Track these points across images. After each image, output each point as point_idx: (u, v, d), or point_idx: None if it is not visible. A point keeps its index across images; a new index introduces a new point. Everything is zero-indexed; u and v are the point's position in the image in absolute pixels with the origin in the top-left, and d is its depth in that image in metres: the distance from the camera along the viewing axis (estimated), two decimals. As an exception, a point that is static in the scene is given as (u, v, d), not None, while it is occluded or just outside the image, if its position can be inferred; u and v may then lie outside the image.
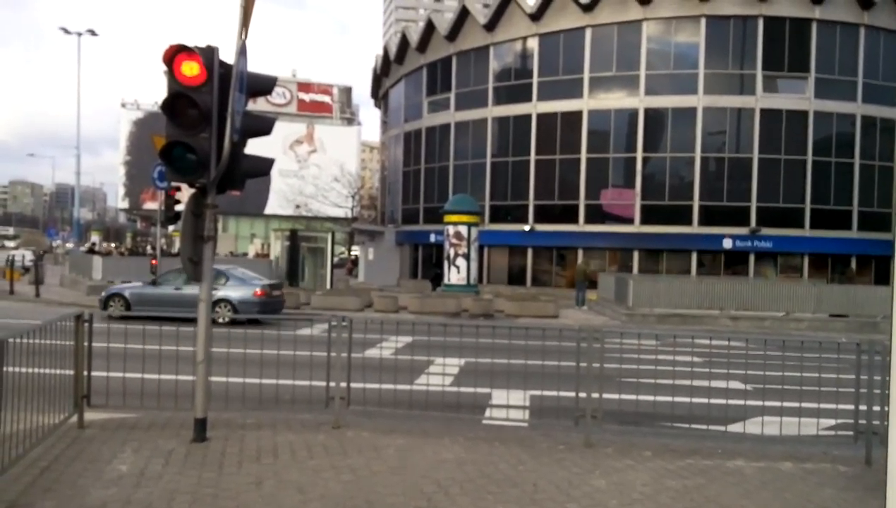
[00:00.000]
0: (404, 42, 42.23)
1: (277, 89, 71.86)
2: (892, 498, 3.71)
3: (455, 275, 25.92)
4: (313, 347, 7.28)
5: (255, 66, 6.20)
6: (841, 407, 7.13)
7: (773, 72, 31.62)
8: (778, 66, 31.63)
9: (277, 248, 30.82)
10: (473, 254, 26.05)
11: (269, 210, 69.88)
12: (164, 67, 5.82)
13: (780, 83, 32.00)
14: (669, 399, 6.97)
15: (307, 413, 7.12)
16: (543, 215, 34.01)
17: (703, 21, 31.66)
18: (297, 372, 7.12)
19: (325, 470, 5.44)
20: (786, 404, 6.84)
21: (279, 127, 69.81)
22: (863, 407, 6.39)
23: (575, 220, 33.25)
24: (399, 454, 5.97)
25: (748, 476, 5.77)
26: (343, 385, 6.83)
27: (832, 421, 7.11)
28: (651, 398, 7.19)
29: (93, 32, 43.30)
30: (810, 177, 31.58)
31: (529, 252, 34.62)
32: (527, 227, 34.02)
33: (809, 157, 31.57)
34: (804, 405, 7.12)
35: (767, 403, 7.16)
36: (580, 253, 32.69)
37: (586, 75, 33.29)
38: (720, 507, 5.03)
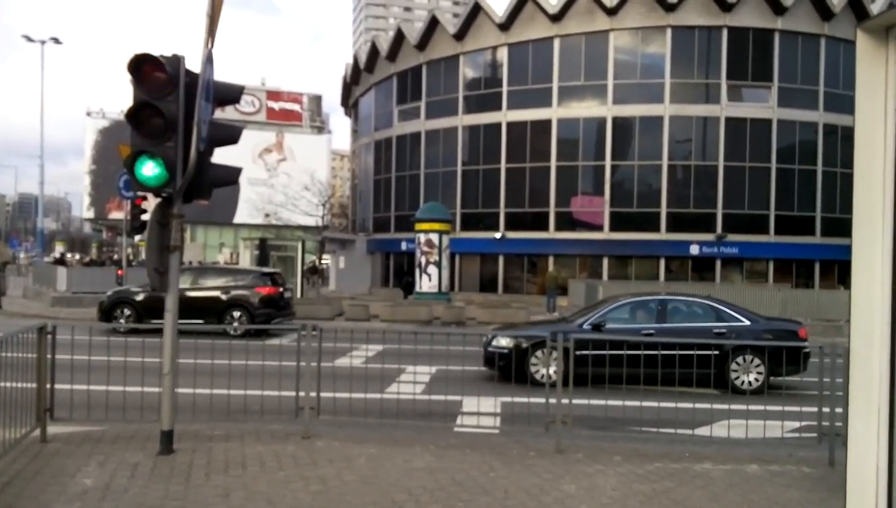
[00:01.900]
0: (374, 51, 42.27)
1: (246, 98, 71.32)
2: (851, 498, 3.80)
3: (426, 283, 25.92)
4: (282, 357, 7.23)
5: (226, 73, 6.16)
6: (805, 409, 7.29)
7: (737, 81, 32.33)
8: (742, 75, 32.35)
9: (246, 257, 30.48)
10: (445, 262, 26.08)
11: (238, 219, 69.18)
12: (129, 76, 5.75)
13: (744, 92, 32.73)
14: (638, 403, 7.05)
15: (276, 423, 7.04)
16: (514, 223, 34.22)
17: (669, 31, 32.25)
18: (266, 382, 7.05)
19: (294, 481, 5.39)
20: (751, 407, 6.97)
21: (248, 135, 68.93)
22: (826, 410, 6.52)
23: (545, 228, 33.52)
24: (370, 463, 5.94)
25: (715, 479, 5.86)
26: (313, 394, 6.78)
27: (797, 424, 7.25)
28: (620, 403, 7.25)
29: (56, 40, 42.59)
30: (774, 184, 32.30)
31: (500, 259, 34.79)
32: (498, 235, 34.19)
33: (773, 165, 32.30)
34: (769, 408, 7.26)
35: (734, 406, 7.28)
36: (551, 260, 32.96)
37: (555, 84, 33.68)
38: (688, 510, 5.09)
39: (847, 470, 3.76)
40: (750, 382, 10.08)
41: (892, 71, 3.22)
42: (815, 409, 6.66)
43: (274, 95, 76.01)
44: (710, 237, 31.83)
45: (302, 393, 6.77)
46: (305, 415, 6.75)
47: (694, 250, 31.80)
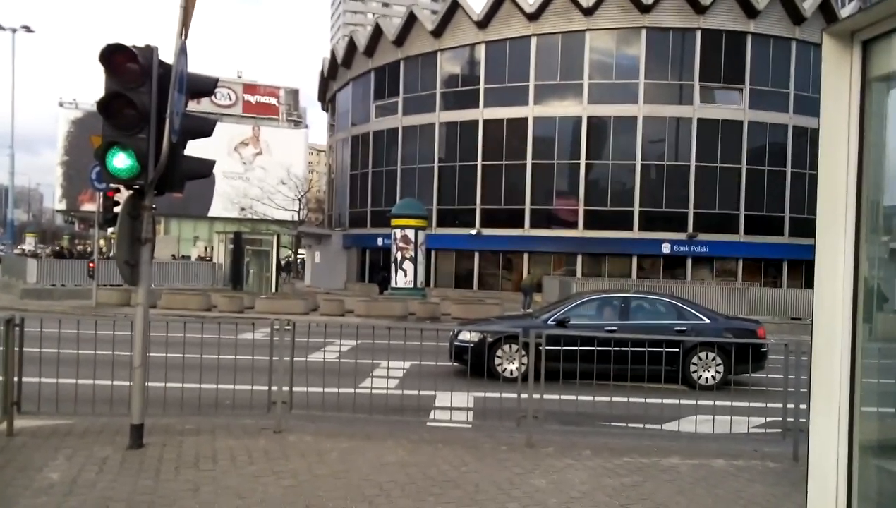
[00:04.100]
0: (352, 46, 42.06)
1: (222, 90, 70.56)
2: (812, 492, 3.89)
3: (402, 279, 25.92)
4: (255, 351, 7.20)
5: (201, 65, 6.12)
6: (771, 405, 7.45)
7: (710, 83, 32.79)
8: (715, 77, 32.81)
9: (221, 251, 30.19)
10: (420, 258, 26.09)
11: (213, 212, 68.37)
12: (101, 66, 5.68)
13: (716, 94, 33.22)
14: (608, 399, 7.15)
15: (248, 418, 7.01)
16: (490, 220, 34.35)
17: (644, 32, 32.59)
18: (239, 376, 7.02)
19: (265, 475, 5.38)
20: (718, 403, 7.11)
21: (224, 128, 68.29)
22: (791, 406, 6.68)
23: (521, 225, 33.70)
24: (341, 457, 5.95)
25: (682, 474, 5.97)
26: (285, 389, 6.77)
27: (763, 419, 7.40)
28: (591, 398, 7.35)
29: (28, 29, 41.75)
30: (744, 185, 32.84)
31: (476, 256, 34.91)
32: (473, 231, 34.30)
33: (744, 166, 32.83)
34: (736, 404, 7.41)
35: (701, 402, 7.42)
36: (526, 257, 33.15)
37: (532, 83, 33.86)
38: (655, 504, 5.19)
39: (808, 465, 3.87)
40: (707, 379, 10.30)
41: (856, 75, 3.30)
42: (780, 405, 6.82)
43: (250, 88, 75.25)
44: (681, 236, 32.30)
45: (274, 388, 6.75)
46: (278, 410, 6.73)
47: (666, 249, 32.25)
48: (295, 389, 6.89)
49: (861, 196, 3.30)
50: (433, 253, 33.21)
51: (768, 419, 7.37)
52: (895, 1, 2.79)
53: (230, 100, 73.18)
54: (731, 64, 32.73)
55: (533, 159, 33.82)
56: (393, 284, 26.44)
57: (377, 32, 39.52)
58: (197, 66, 6.01)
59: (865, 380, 3.65)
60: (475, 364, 9.80)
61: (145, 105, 5.66)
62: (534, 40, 33.82)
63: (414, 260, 25.79)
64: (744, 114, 32.76)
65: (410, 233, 25.80)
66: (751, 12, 32.22)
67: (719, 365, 10.37)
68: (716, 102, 33.11)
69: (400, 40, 37.82)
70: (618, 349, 8.00)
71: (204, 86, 6.53)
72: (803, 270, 33.11)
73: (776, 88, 33.09)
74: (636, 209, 32.58)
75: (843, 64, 3.18)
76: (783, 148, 33.43)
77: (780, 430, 6.85)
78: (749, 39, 32.73)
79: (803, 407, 6.54)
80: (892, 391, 4.04)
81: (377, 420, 7.02)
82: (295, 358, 6.92)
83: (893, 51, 2.90)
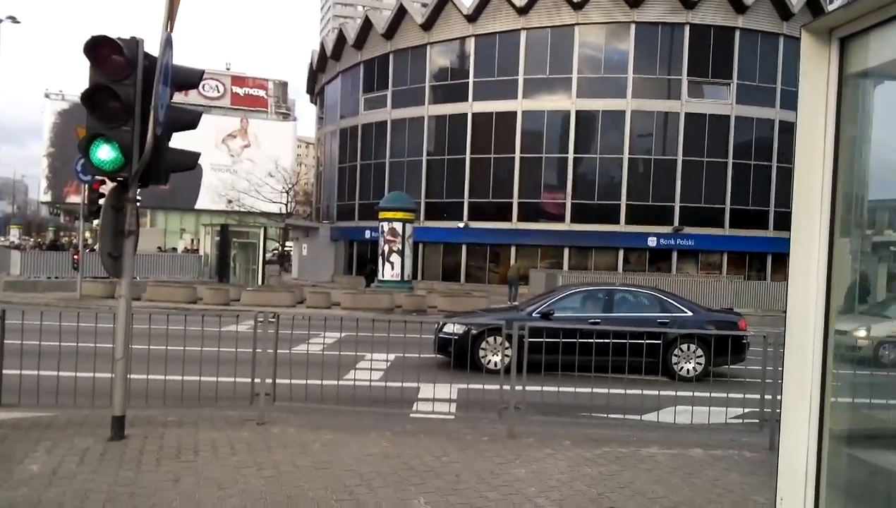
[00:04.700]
0: (341, 38, 41.90)
1: (210, 82, 70.12)
2: (783, 480, 3.97)
3: (389, 272, 25.94)
4: (239, 344, 7.23)
5: (189, 57, 6.11)
6: (748, 396, 7.57)
7: (698, 78, 32.94)
8: (703, 72, 32.97)
9: (207, 244, 30.07)
10: (408, 251, 26.12)
11: (200, 204, 68.05)
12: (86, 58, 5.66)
13: (704, 89, 33.37)
14: (589, 390, 7.23)
15: (231, 410, 7.03)
16: (478, 213, 34.42)
17: (633, 27, 32.68)
18: (223, 368, 7.04)
19: (246, 466, 5.42)
20: (697, 394, 7.22)
21: (212, 121, 67.64)
22: (768, 397, 6.78)
23: (509, 218, 33.80)
24: (324, 449, 6.00)
25: (660, 463, 6.06)
26: (269, 381, 6.80)
27: (740, 410, 7.51)
28: (572, 389, 7.43)
29: (14, 19, 41.22)
30: (731, 179, 33.07)
31: (464, 249, 34.98)
32: (461, 224, 34.35)
33: (730, 160, 33.05)
34: (714, 395, 7.52)
35: (680, 393, 7.52)
36: (513, 250, 33.26)
37: (521, 77, 33.90)
38: (633, 492, 5.27)
39: (778, 454, 3.95)
40: (689, 370, 10.43)
41: (834, 71, 3.36)
42: (757, 396, 6.92)
43: (239, 80, 74.82)
44: (667, 229, 32.50)
45: (258, 380, 6.78)
46: (261, 401, 6.76)
47: (652, 242, 32.47)
48: (278, 381, 6.92)
49: (836, 190, 3.37)
50: (421, 246, 33.26)
51: (746, 409, 7.48)
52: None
53: (218, 92, 72.75)
54: (718, 59, 32.90)
55: (521, 153, 33.89)
56: (380, 277, 26.47)
57: (367, 25, 39.41)
58: (184, 57, 6.02)
59: (837, 372, 3.72)
60: (459, 356, 9.86)
61: (130, 97, 5.65)
62: (523, 34, 33.84)
63: (401, 253, 25.82)
64: (731, 109, 32.96)
65: (398, 226, 25.81)
66: (739, 7, 32.38)
67: (700, 356, 10.49)
68: (703, 97, 33.28)
69: (390, 33, 37.73)
70: (601, 341, 8.09)
71: (189, 79, 6.51)
72: (788, 264, 33.34)
73: (763, 83, 33.30)
74: (623, 203, 32.75)
75: (822, 60, 3.24)
76: (770, 142, 33.68)
77: (757, 421, 6.96)
78: (737, 34, 32.89)
79: (780, 397, 6.66)
80: (863, 382, 4.12)
81: (361, 411, 7.07)
82: (279, 351, 6.95)
83: (869, 47, 2.95)
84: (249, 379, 6.86)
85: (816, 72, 3.36)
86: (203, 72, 6.82)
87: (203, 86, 65.46)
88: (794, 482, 4.00)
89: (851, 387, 4.20)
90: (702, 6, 32.23)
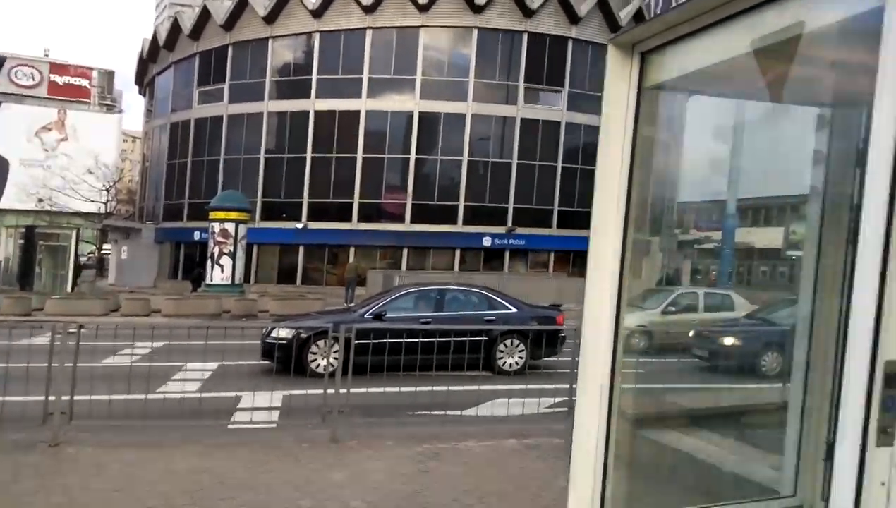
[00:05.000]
0: (176, 27, 39.44)
1: (25, 70, 62.92)
2: (575, 461, 4.23)
3: (218, 275, 24.76)
4: (33, 358, 6.53)
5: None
6: (559, 386, 8.05)
7: (533, 84, 34.68)
8: (538, 79, 34.75)
9: (10, 247, 26.96)
10: (240, 253, 25.11)
11: (4, 204, 60.86)
12: None
13: (540, 95, 35.21)
14: (413, 389, 7.32)
15: (19, 433, 6.33)
16: (318, 213, 33.89)
17: (475, 32, 33.75)
18: (10, 386, 6.33)
19: (32, 494, 4.89)
20: (514, 387, 7.57)
21: (25, 112, 61.20)
22: (575, 385, 7.22)
23: (349, 219, 33.59)
24: (125, 469, 5.56)
25: (477, 455, 6.28)
26: (65, 398, 6.20)
27: (553, 400, 7.98)
28: (396, 389, 7.49)
29: None
30: (559, 182, 35.18)
31: (301, 250, 34.28)
32: (300, 225, 33.63)
33: (560, 164, 35.15)
34: (530, 386, 7.93)
35: (499, 387, 7.85)
36: (353, 250, 33.11)
37: (365, 75, 33.82)
38: (447, 486, 5.41)
39: (572, 437, 4.23)
40: (511, 364, 10.96)
41: (634, 83, 3.57)
42: (567, 385, 7.38)
43: (59, 68, 67.66)
44: (501, 230, 33.96)
45: (52, 397, 6.16)
46: (55, 421, 6.15)
47: (486, 242, 33.77)
48: (78, 397, 6.34)
49: (631, 194, 3.63)
50: (255, 247, 32.17)
51: (558, 399, 7.96)
52: (667, 17, 3.07)
53: (33, 80, 65.44)
54: (553, 67, 34.80)
55: (364, 153, 33.82)
56: (208, 281, 25.20)
57: (205, 15, 37.35)
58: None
59: (625, 359, 4.03)
60: (286, 361, 9.58)
61: None
62: (369, 33, 33.81)
63: (233, 256, 24.75)
64: (562, 116, 35.01)
65: (230, 227, 24.72)
66: (573, 18, 34.47)
67: (522, 351, 11.04)
68: (539, 103, 35.09)
69: (230, 24, 36.07)
70: (430, 340, 8.23)
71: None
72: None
73: (592, 92, 35.68)
74: (461, 204, 33.73)
75: (624, 72, 3.47)
76: (595, 148, 36.06)
77: (566, 409, 7.41)
78: (570, 44, 34.98)
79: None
80: (647, 370, 4.51)
81: (172, 426, 6.65)
82: (80, 364, 6.37)
83: (665, 62, 3.20)
84: (42, 398, 6.21)
85: (619, 83, 3.62)
86: (4, 59, 6.06)
87: (15, 74, 58.74)
88: (584, 462, 4.30)
89: (635, 374, 4.58)
90: (539, 15, 33.95)
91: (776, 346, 4.92)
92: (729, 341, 6.25)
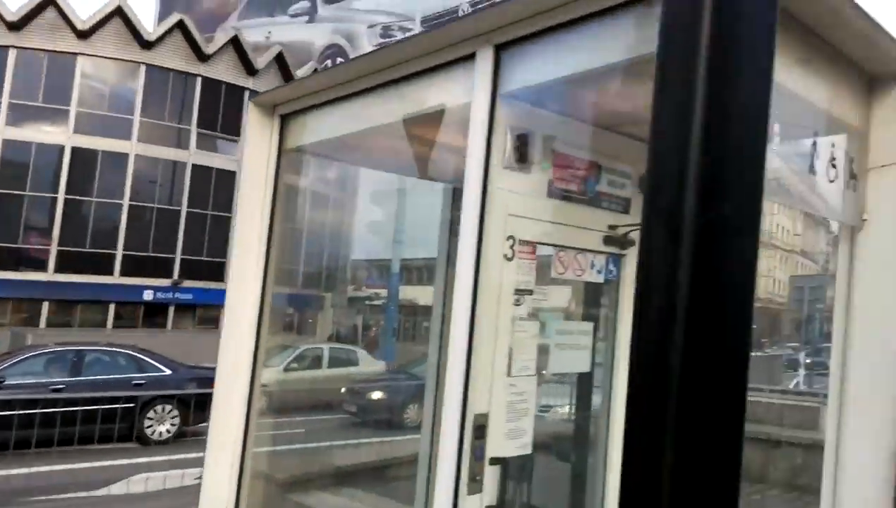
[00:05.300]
0: None
1: None
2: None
3: None
4: None
5: None
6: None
7: (208, 131, 33.44)
8: (213, 126, 33.64)
9: None
10: None
11: None
12: None
13: (217, 142, 34.07)
14: (48, 468, 6.23)
15: None
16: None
17: (143, 68, 31.61)
18: None
19: None
20: (157, 458, 6.89)
21: None
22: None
23: (-25, 265, 28.06)
24: None
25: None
26: None
27: (201, 470, 7.45)
28: (26, 470, 6.26)
29: None
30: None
31: None
32: None
33: (234, 215, 34.20)
34: (176, 457, 7.30)
35: (141, 460, 7.08)
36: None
37: (5, 100, 29.18)
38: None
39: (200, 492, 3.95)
40: (162, 433, 10.07)
41: (275, 144, 3.59)
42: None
43: None
44: (166, 282, 31.59)
45: None
46: None
47: (148, 296, 31.09)
48: None
49: (270, 250, 3.59)
50: None
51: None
52: (305, 83, 3.12)
53: None
54: (229, 115, 34.03)
55: (0, 189, 28.84)
56: None
57: None
58: None
59: (259, 421, 3.91)
60: None
61: None
62: (13, 52, 29.37)
63: None
64: (238, 165, 34.28)
65: None
66: (250, 70, 34.32)
67: (175, 417, 10.21)
68: (216, 151, 33.87)
69: None
70: (65, 410, 7.16)
71: None
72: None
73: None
74: (119, 252, 30.56)
75: (265, 133, 3.45)
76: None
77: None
78: (247, 94, 34.63)
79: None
80: (295, 431, 4.46)
81: None
82: None
83: (304, 127, 3.26)
84: None
85: (261, 141, 3.59)
86: None
87: None
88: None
89: (284, 435, 4.48)
90: (215, 61, 33.12)
91: (418, 398, 5.31)
92: (376, 395, 6.58)
